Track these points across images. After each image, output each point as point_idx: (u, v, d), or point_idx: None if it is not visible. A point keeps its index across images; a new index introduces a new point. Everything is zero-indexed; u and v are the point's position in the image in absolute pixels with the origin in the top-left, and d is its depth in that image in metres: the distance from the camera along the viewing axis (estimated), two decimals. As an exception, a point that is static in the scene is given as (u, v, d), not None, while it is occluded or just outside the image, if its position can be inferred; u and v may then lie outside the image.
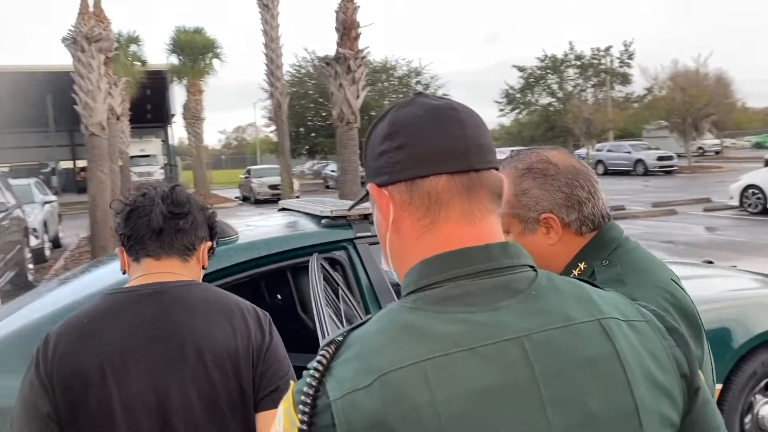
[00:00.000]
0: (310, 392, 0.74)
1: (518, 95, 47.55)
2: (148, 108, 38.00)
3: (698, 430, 0.84)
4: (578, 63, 45.43)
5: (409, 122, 0.87)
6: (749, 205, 14.73)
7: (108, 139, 11.16)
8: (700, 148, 39.92)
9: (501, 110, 48.34)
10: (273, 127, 38.73)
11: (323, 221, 3.13)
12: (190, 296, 1.50)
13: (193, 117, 30.00)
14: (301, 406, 0.74)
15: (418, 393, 0.72)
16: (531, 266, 0.85)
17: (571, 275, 1.40)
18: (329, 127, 37.52)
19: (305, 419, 0.73)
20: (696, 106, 32.38)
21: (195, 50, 29.49)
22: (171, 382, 1.41)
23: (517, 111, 48.51)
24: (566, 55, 45.64)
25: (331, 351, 0.78)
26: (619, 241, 1.44)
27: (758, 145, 48.23)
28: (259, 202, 27.56)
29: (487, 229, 0.86)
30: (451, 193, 0.85)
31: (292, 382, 0.83)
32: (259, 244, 2.92)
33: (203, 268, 1.65)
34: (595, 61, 44.81)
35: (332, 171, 36.12)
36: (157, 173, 37.33)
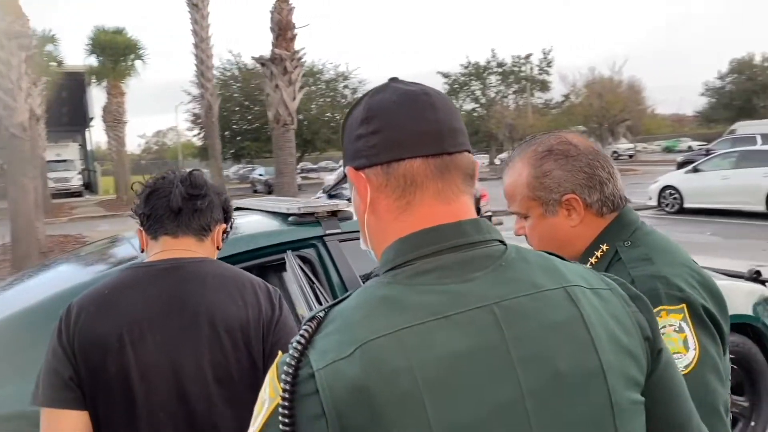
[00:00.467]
0: (293, 363, 0.78)
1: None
2: (65, 111, 36.28)
3: (661, 389, 0.89)
4: (500, 70, 46.59)
5: (384, 107, 0.90)
6: (667, 205, 15.51)
7: (30, 141, 10.59)
8: (614, 152, 41.72)
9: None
10: (196, 131, 37.91)
11: (290, 219, 3.08)
12: (205, 271, 1.57)
13: (115, 120, 28.88)
14: (284, 376, 0.78)
15: (397, 359, 0.76)
16: (501, 241, 0.90)
17: (594, 257, 1.43)
18: (256, 131, 37.00)
19: (287, 388, 0.77)
20: (612, 112, 33.89)
21: (116, 51, 28.42)
22: (185, 351, 1.48)
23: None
24: (489, 62, 46.72)
25: (313, 326, 0.82)
26: (637, 224, 1.47)
27: (668, 149, 50.86)
28: (185, 208, 26.70)
29: (460, 208, 0.90)
30: (426, 175, 0.89)
31: (280, 352, 0.87)
32: (226, 243, 2.84)
33: (218, 248, 1.73)
34: (516, 69, 46.07)
35: (260, 175, 35.60)
36: (75, 179, 35.73)
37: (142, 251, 1.70)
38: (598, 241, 1.45)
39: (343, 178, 1.10)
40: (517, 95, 45.77)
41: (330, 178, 20.88)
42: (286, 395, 0.77)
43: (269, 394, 0.81)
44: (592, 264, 1.43)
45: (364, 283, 0.89)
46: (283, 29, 10.52)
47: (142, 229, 1.68)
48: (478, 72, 46.91)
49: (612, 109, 33.94)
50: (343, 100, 39.44)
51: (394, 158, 0.89)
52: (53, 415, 1.43)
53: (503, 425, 0.78)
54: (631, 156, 45.75)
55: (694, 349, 1.26)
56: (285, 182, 10.37)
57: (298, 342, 0.80)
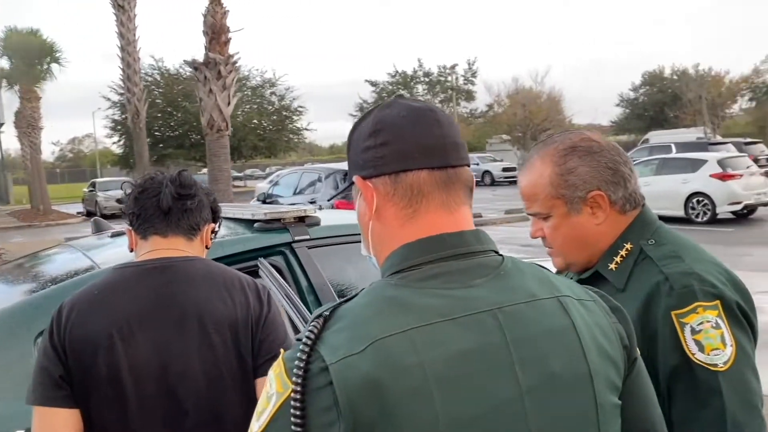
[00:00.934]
0: (303, 357, 0.82)
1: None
2: (-30, 116, 34.18)
3: (634, 394, 0.96)
4: (427, 80, 47.33)
5: (392, 121, 0.96)
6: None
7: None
8: (537, 160, 42.83)
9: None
10: (116, 138, 36.57)
11: (256, 225, 2.94)
12: (194, 270, 1.59)
13: (29, 126, 27.36)
14: (295, 370, 0.82)
15: (408, 356, 0.81)
16: (497, 252, 0.96)
17: (618, 256, 1.41)
18: (179, 138, 36.00)
19: (299, 381, 0.81)
20: (535, 122, 34.95)
21: (30, 53, 26.97)
22: (174, 349, 1.50)
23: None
24: (415, 71, 47.42)
25: (320, 323, 0.86)
26: (657, 221, 1.45)
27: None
28: (107, 218, 25.66)
29: (462, 218, 0.96)
30: (431, 186, 0.94)
31: (282, 350, 0.90)
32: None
33: (206, 248, 1.75)
34: (442, 78, 46.93)
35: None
36: (-17, 187, 33.70)
37: (131, 251, 1.71)
38: (621, 239, 1.42)
39: (347, 186, 1.10)
40: (444, 104, 46.55)
41: (262, 186, 20.58)
42: (298, 388, 0.80)
43: (276, 389, 0.83)
44: (617, 263, 1.41)
45: (336, 293, 0.89)
46: (217, 33, 10.24)
47: (131, 228, 1.68)
48: (405, 81, 47.49)
49: (535, 118, 35.02)
50: (270, 107, 39.00)
51: (402, 169, 0.94)
52: (45, 414, 1.45)
53: (504, 420, 0.84)
54: (552, 164, 47.09)
55: (731, 345, 1.25)
56: (220, 190, 10.06)
57: (308, 338, 0.84)
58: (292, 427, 0.80)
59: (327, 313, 0.87)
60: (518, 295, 0.90)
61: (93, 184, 29.43)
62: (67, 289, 2.13)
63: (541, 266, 1.00)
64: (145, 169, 14.20)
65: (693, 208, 14.42)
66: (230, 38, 10.58)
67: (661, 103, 47.93)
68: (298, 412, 0.80)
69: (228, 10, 10.50)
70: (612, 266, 1.41)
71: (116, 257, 2.49)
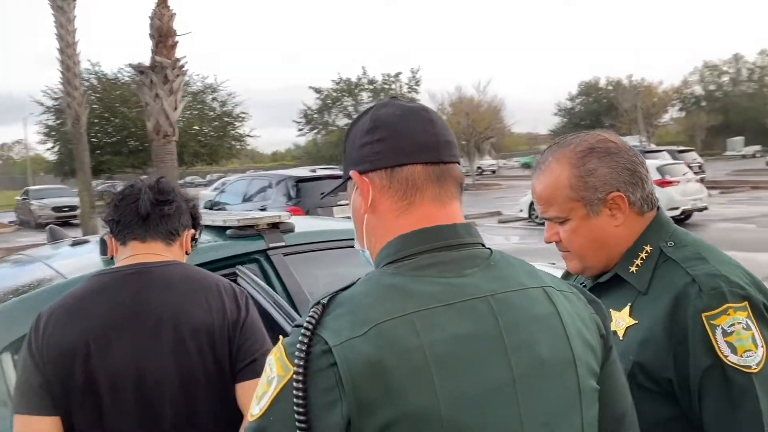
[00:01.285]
0: (305, 341, 0.85)
1: (316, 116, 48.36)
2: None
3: (610, 381, 1.02)
4: (371, 87, 47.44)
5: (388, 119, 1.02)
6: (536, 217, 16.41)
7: None
8: (479, 167, 43.70)
9: (300, 129, 48.84)
10: (50, 144, 35.14)
11: (229, 232, 2.84)
12: (171, 275, 1.61)
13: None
14: (297, 353, 0.85)
15: (409, 338, 0.85)
16: (484, 245, 1.02)
17: (638, 259, 1.39)
18: (117, 144, 34.87)
19: (301, 363, 0.84)
20: (478, 130, 35.49)
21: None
22: (150, 356, 1.51)
23: (315, 131, 49.30)
24: (360, 79, 47.46)
25: (319, 310, 0.89)
26: (672, 223, 1.45)
27: (525, 165, 54.04)
28: (41, 226, 24.72)
29: (454, 211, 1.01)
30: (425, 180, 0.99)
31: (281, 337, 0.93)
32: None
33: (186, 253, 1.78)
34: (386, 86, 47.11)
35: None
36: None
37: (111, 258, 1.73)
38: (640, 242, 1.41)
39: (340, 185, 1.11)
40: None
41: (206, 194, 20.11)
42: (300, 370, 0.83)
43: (278, 373, 0.86)
44: (638, 265, 1.39)
45: (313, 301, 0.92)
46: (163, 36, 9.95)
47: (111, 236, 1.71)
48: (349, 88, 47.45)
49: (478, 126, 35.55)
50: (212, 113, 38.31)
51: (398, 163, 0.99)
52: (24, 421, 1.46)
53: (497, 403, 0.88)
54: (494, 171, 48.18)
55: (762, 346, 1.25)
56: (168, 197, 9.77)
57: (308, 323, 0.87)
58: (295, 408, 0.83)
59: (325, 300, 0.91)
60: (508, 283, 0.95)
61: (26, 192, 28.30)
62: (30, 300, 2.03)
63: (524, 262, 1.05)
64: (86, 177, 13.70)
65: (634, 214, 14.87)
66: (177, 42, 10.33)
67: (597, 112, 49.47)
68: (300, 393, 0.83)
69: (175, 13, 10.24)
70: (633, 269, 1.40)
71: (81, 265, 2.37)
